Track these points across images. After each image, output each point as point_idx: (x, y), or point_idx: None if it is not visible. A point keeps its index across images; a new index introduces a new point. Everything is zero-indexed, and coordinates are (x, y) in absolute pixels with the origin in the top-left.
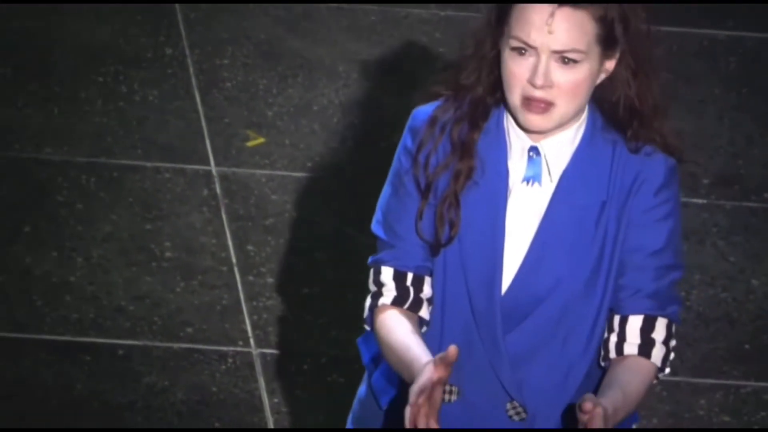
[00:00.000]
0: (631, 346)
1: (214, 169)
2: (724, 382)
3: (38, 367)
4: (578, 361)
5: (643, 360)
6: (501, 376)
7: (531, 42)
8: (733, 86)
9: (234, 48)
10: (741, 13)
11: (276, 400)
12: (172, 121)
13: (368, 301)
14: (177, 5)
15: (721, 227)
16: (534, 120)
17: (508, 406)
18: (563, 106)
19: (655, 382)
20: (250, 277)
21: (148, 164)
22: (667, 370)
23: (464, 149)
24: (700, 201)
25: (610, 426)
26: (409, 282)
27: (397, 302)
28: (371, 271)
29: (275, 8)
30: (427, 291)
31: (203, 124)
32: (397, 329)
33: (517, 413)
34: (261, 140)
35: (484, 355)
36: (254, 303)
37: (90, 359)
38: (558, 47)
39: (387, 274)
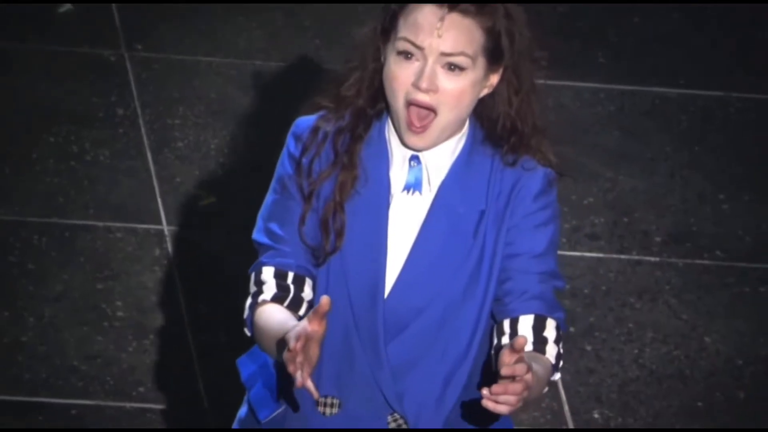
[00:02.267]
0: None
1: (165, 228)
2: None
3: None
4: (457, 370)
5: (540, 354)
6: (383, 387)
7: (419, 42)
8: (684, 144)
9: (185, 107)
10: (692, 72)
11: None
12: (123, 180)
13: (248, 301)
14: (129, 65)
15: (673, 285)
16: (414, 141)
17: (389, 418)
18: (445, 115)
19: (546, 389)
20: (203, 336)
21: (100, 224)
22: (558, 375)
23: (347, 159)
24: (652, 259)
25: (526, 391)
26: (290, 280)
27: (277, 299)
28: (252, 276)
29: (226, 67)
30: (307, 292)
31: (155, 183)
32: (277, 314)
33: (398, 425)
34: (212, 199)
35: (366, 366)
36: (206, 362)
37: (42, 419)
38: (446, 49)
39: (268, 272)
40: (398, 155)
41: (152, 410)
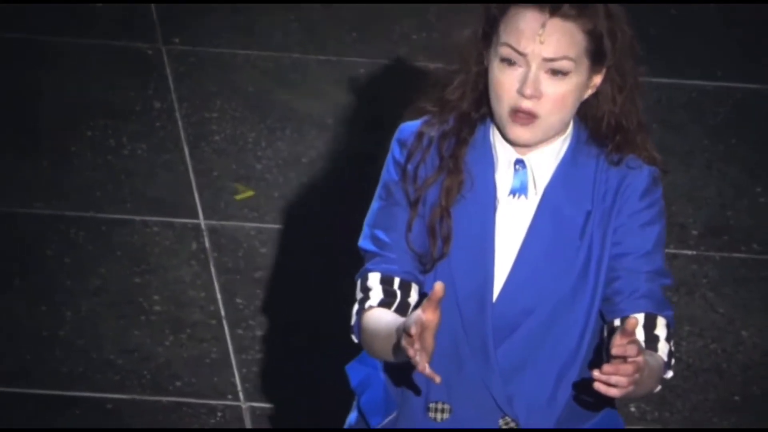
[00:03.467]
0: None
1: (202, 222)
2: None
3: (28, 421)
4: (568, 370)
5: (652, 351)
6: (493, 391)
7: (521, 49)
8: (721, 137)
9: (222, 101)
10: (729, 65)
11: None
12: (160, 174)
13: (354, 307)
14: (166, 59)
15: (710, 278)
16: (519, 132)
17: (501, 421)
18: (549, 118)
19: (658, 387)
20: (239, 330)
21: (137, 218)
22: (670, 373)
23: (452, 164)
24: (689, 252)
25: (637, 373)
26: (396, 286)
27: (384, 304)
28: (358, 282)
29: (263, 60)
30: (414, 297)
31: (192, 177)
32: (385, 316)
33: (509, 427)
34: (250, 193)
35: (475, 370)
36: (243, 356)
37: (79, 413)
38: (549, 55)
39: (374, 278)
40: (503, 160)
41: (188, 404)
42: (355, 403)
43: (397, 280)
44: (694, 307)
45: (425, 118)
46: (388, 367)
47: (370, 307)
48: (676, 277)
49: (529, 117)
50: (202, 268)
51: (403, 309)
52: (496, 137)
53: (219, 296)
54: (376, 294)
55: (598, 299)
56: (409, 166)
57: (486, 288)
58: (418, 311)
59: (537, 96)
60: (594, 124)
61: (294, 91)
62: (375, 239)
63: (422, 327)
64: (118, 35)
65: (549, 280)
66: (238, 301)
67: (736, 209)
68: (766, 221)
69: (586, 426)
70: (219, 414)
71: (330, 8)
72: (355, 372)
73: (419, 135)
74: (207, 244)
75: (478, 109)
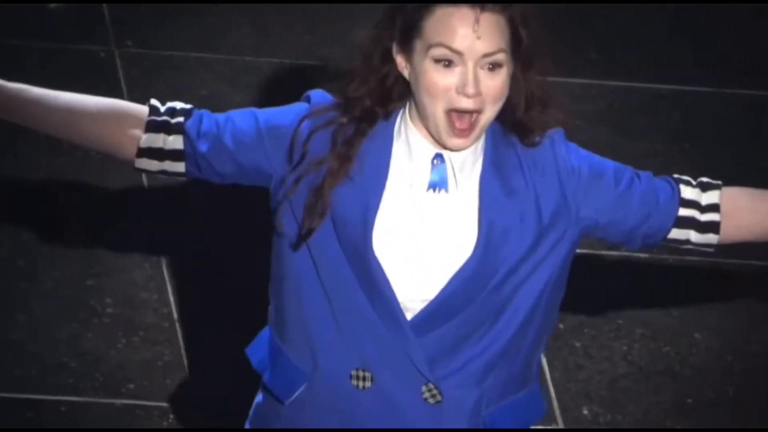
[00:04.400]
0: (710, 196)
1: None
2: None
3: None
4: (496, 340)
5: (733, 196)
6: (412, 357)
7: (458, 47)
8: (675, 141)
9: None
10: (683, 68)
11: None
12: (113, 176)
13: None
14: (118, 61)
15: (664, 282)
16: (458, 143)
17: (424, 388)
18: (488, 113)
19: None
20: (191, 333)
21: (90, 220)
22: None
23: (345, 149)
24: (643, 256)
25: None
26: (173, 119)
27: (153, 112)
28: (186, 106)
29: (217, 63)
30: (167, 153)
31: (143, 178)
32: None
33: (433, 395)
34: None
35: (391, 338)
36: (196, 358)
37: (32, 416)
38: (487, 50)
39: (182, 111)
40: (421, 155)
41: (142, 407)
42: (261, 386)
43: (180, 120)
44: (648, 310)
45: (338, 100)
46: (291, 340)
47: (148, 102)
48: (630, 281)
49: (466, 125)
50: (155, 270)
51: (153, 126)
52: (409, 132)
53: (172, 299)
54: (161, 105)
55: (546, 282)
56: (310, 122)
57: (369, 267)
58: None
59: (479, 94)
60: (510, 108)
61: (248, 93)
62: (219, 125)
63: None
64: (69, 37)
65: (500, 264)
66: (191, 303)
67: None
68: None
69: (510, 400)
70: (171, 416)
71: (284, 11)
72: (254, 353)
73: (327, 107)
74: (159, 246)
75: (383, 106)
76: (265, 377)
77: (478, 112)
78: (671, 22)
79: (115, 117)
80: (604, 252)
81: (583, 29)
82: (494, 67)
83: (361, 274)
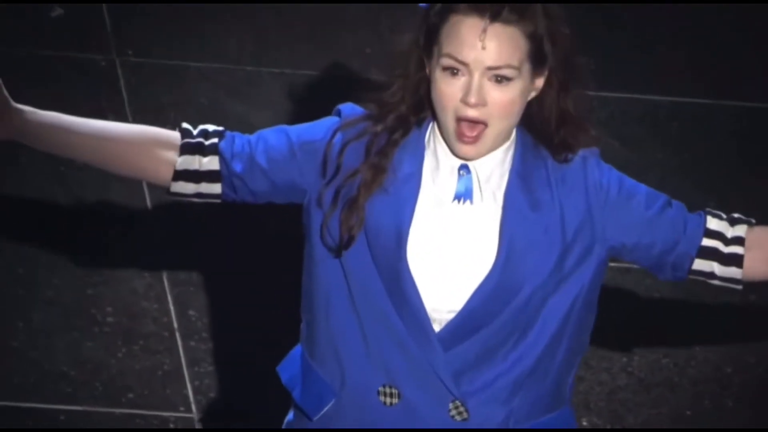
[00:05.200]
0: (737, 230)
1: (156, 234)
2: None
3: None
4: (524, 358)
5: (761, 233)
6: (439, 372)
7: (463, 58)
8: (674, 151)
9: (176, 113)
10: (682, 81)
11: None
12: (113, 184)
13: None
14: (119, 70)
15: (664, 293)
16: (465, 150)
17: (451, 406)
18: (496, 126)
19: None
20: (192, 342)
21: (90, 230)
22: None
23: (379, 160)
24: (641, 268)
25: None
26: (207, 142)
27: (186, 135)
28: (219, 128)
29: (216, 73)
30: (207, 164)
31: (145, 188)
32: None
33: (459, 413)
34: (60, 11)
35: (419, 353)
36: (196, 368)
37: (31, 424)
38: (491, 63)
39: (215, 134)
40: (446, 165)
41: (141, 416)
42: (292, 405)
43: (214, 141)
44: (647, 321)
45: (368, 111)
46: (321, 358)
47: (180, 126)
48: (630, 292)
49: (475, 133)
50: (155, 279)
51: (187, 149)
52: (438, 143)
53: (172, 308)
54: (194, 128)
55: (567, 294)
56: (341, 135)
57: (401, 277)
58: None
59: (482, 104)
60: (540, 125)
61: (247, 103)
62: (251, 144)
63: None
64: (72, 46)
65: (524, 281)
66: (191, 313)
67: None
68: None
69: (539, 421)
70: (171, 425)
71: (283, 21)
72: (284, 370)
73: (359, 118)
74: (160, 256)
75: (417, 114)
76: (295, 394)
77: (484, 123)
78: (669, 36)
79: (149, 141)
80: None
81: (585, 42)
82: (502, 79)
83: (392, 286)
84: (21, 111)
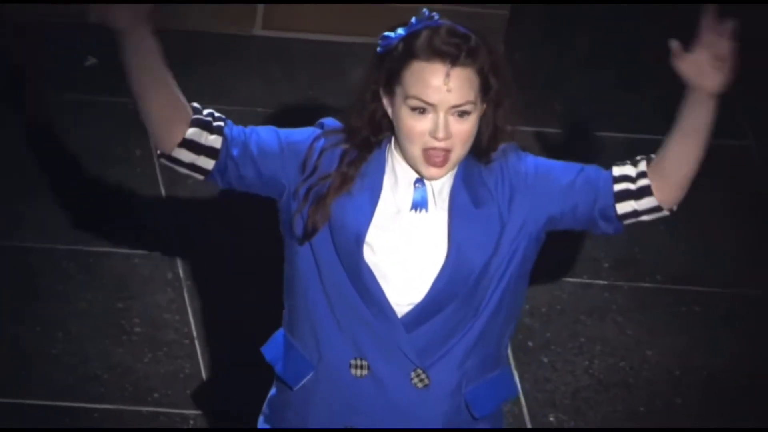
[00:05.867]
0: (638, 167)
1: (177, 256)
2: None
3: (23, 430)
4: (473, 325)
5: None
6: (403, 348)
7: (430, 100)
8: None
9: None
10: (637, 118)
11: None
12: (138, 213)
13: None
14: None
15: (620, 305)
16: (433, 172)
17: (413, 374)
18: (458, 152)
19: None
20: (209, 348)
21: (120, 251)
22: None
23: (346, 168)
24: (601, 282)
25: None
26: (213, 122)
27: (197, 111)
28: (223, 118)
29: (230, 114)
30: (203, 148)
31: (171, 214)
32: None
33: (421, 380)
34: (94, 60)
35: (382, 329)
36: (212, 371)
37: (69, 422)
38: (455, 102)
39: (219, 119)
40: (404, 180)
41: (165, 413)
42: (274, 383)
43: (218, 124)
44: (605, 329)
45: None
46: (301, 336)
47: (193, 107)
48: (591, 304)
49: (444, 156)
50: (177, 294)
51: (197, 123)
52: (395, 161)
53: (191, 319)
54: (204, 112)
55: (511, 274)
56: (322, 142)
57: (360, 271)
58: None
59: (448, 137)
60: (481, 138)
61: None
62: (246, 134)
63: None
64: (103, 91)
65: (474, 265)
66: (208, 323)
67: (642, 246)
68: (668, 256)
69: (485, 378)
70: (191, 422)
71: (289, 69)
72: (268, 350)
73: (337, 131)
74: (181, 273)
75: (376, 135)
76: (278, 368)
77: (449, 150)
78: (624, 79)
79: (180, 105)
80: (568, 279)
81: (550, 86)
82: (463, 114)
83: (354, 279)
84: (148, 30)
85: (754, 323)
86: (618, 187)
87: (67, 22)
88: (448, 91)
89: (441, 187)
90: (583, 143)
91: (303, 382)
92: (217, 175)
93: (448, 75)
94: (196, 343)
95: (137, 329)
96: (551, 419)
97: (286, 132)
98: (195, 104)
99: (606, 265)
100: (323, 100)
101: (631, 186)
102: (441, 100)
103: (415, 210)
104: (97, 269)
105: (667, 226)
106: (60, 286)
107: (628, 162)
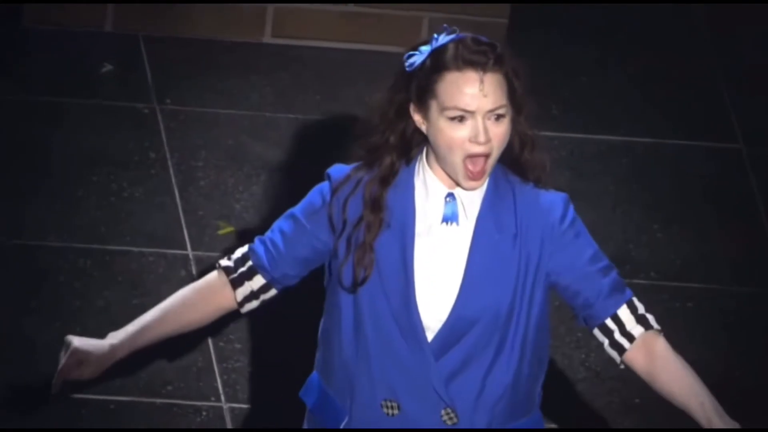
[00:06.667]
0: (635, 329)
1: (190, 253)
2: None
3: (45, 418)
4: (504, 370)
5: (653, 341)
6: (435, 385)
7: (469, 108)
8: (624, 183)
9: (207, 152)
10: (631, 122)
11: None
12: (155, 213)
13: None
14: (159, 116)
15: None
16: (473, 185)
17: (443, 412)
18: (495, 155)
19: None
20: (221, 343)
21: (135, 249)
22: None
23: (373, 204)
24: None
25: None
26: (245, 267)
27: (225, 270)
28: (245, 249)
29: (241, 119)
30: (254, 285)
31: (181, 215)
32: (163, 303)
33: (450, 418)
34: (230, 229)
35: (417, 369)
36: (224, 365)
37: (86, 412)
38: (492, 106)
39: (242, 253)
40: (435, 193)
41: (178, 405)
42: (305, 422)
43: (249, 263)
44: None
45: (356, 164)
46: (333, 382)
47: (219, 266)
48: None
49: (479, 168)
50: None
51: (237, 282)
52: (427, 174)
53: None
54: (230, 261)
55: (526, 310)
56: (340, 194)
57: (410, 298)
58: (86, 355)
59: (489, 141)
60: (508, 153)
61: (267, 144)
62: (272, 241)
63: (74, 363)
64: (119, 97)
65: (491, 293)
66: (220, 318)
67: (636, 243)
68: (662, 253)
69: (516, 423)
70: (204, 413)
71: (297, 76)
72: (307, 396)
73: (349, 175)
74: (194, 272)
75: (404, 155)
76: (318, 416)
77: (488, 154)
78: (620, 83)
79: (205, 295)
80: None
81: (547, 90)
82: (499, 117)
83: (400, 310)
84: (113, 353)
85: (747, 319)
86: (609, 323)
87: (84, 30)
88: (485, 96)
89: (471, 201)
90: (576, 146)
91: (341, 427)
92: (283, 287)
93: (482, 81)
94: (209, 337)
95: None
96: (549, 411)
97: (301, 207)
98: (223, 263)
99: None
100: (332, 106)
101: (617, 334)
102: (478, 106)
103: (446, 223)
104: (113, 267)
105: (661, 225)
106: (77, 283)
107: (638, 312)
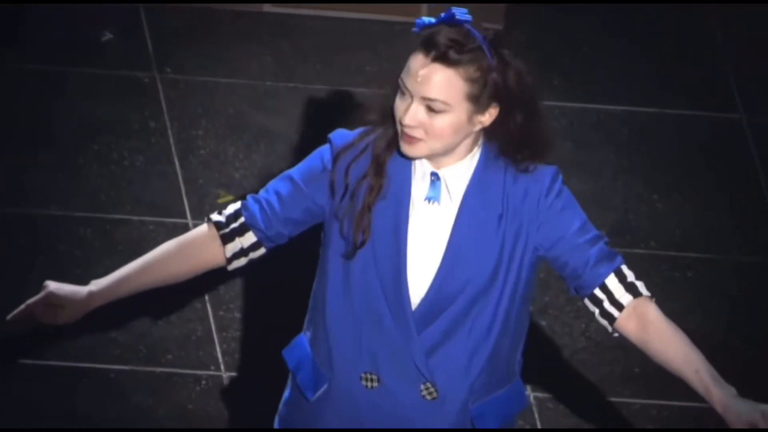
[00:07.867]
0: (624, 297)
1: (190, 222)
2: (617, 400)
3: (45, 388)
4: (481, 344)
5: (644, 308)
6: (415, 360)
7: (407, 85)
8: (625, 153)
9: (207, 121)
10: (631, 92)
11: (242, 416)
12: (155, 182)
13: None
14: (160, 86)
15: None
16: (406, 149)
17: (422, 387)
18: (429, 143)
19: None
20: (221, 312)
21: (135, 218)
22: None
23: (376, 167)
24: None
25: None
26: (237, 223)
27: (217, 225)
28: (237, 205)
29: (241, 88)
30: (246, 242)
31: (181, 184)
32: (148, 254)
33: (429, 393)
34: (230, 198)
35: (400, 343)
36: (224, 334)
37: (87, 381)
38: (425, 94)
39: (235, 209)
40: (420, 171)
41: (178, 374)
42: (289, 382)
43: (241, 220)
44: None
45: (360, 129)
46: (317, 347)
47: (209, 219)
48: None
49: (413, 144)
50: None
51: (227, 238)
52: None
53: (204, 283)
54: (222, 217)
55: (510, 286)
56: (342, 160)
57: (401, 272)
58: (58, 299)
59: (414, 125)
60: (502, 144)
61: (267, 113)
62: (266, 201)
63: (47, 306)
64: (119, 66)
65: (471, 272)
66: (220, 287)
67: (636, 213)
68: (661, 224)
69: (494, 395)
70: (203, 382)
71: (298, 45)
72: (290, 356)
73: (353, 141)
74: None
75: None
76: (298, 377)
77: (417, 138)
78: (621, 53)
79: (193, 248)
80: None
81: (548, 60)
82: (432, 109)
83: (389, 282)
84: (89, 301)
85: (747, 288)
86: (598, 292)
87: None
88: (418, 81)
89: (455, 181)
90: (577, 116)
91: (318, 393)
92: (273, 246)
93: (424, 66)
94: (208, 306)
95: (151, 293)
96: (549, 381)
97: (298, 170)
98: (214, 218)
99: (602, 231)
100: (333, 75)
101: (606, 303)
102: (412, 87)
103: (428, 201)
104: (113, 236)
105: (661, 195)
106: (78, 252)
107: (627, 280)
